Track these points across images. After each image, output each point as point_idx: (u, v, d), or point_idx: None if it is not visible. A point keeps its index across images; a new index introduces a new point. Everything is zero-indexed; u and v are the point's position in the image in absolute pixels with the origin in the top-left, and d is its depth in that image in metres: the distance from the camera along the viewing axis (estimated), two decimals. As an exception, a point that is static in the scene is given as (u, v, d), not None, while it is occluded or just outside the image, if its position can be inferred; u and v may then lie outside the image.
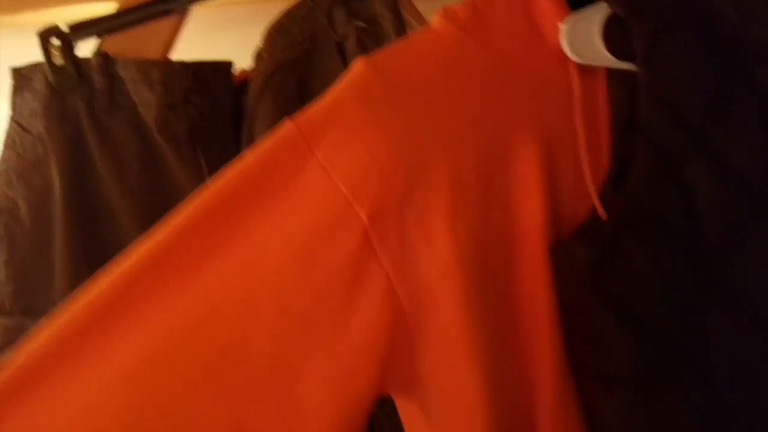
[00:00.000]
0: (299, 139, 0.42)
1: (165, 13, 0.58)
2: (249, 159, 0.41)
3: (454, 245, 0.45)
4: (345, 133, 0.43)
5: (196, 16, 0.64)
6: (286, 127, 0.42)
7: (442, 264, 0.44)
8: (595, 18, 0.51)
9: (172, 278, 0.39)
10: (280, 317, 0.40)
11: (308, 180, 0.41)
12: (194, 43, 0.67)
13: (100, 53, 0.57)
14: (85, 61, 0.57)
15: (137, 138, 0.57)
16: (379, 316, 0.42)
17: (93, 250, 0.57)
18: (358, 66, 0.45)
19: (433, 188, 0.44)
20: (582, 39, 0.50)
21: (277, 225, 0.40)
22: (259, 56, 0.56)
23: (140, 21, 0.58)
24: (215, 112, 0.57)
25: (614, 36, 0.50)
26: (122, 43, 0.58)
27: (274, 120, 0.54)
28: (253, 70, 0.57)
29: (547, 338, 0.49)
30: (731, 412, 0.48)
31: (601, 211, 0.50)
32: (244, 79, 0.59)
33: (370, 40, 0.53)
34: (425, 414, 0.49)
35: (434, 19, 0.50)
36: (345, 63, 0.55)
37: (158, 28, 0.59)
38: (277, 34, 0.55)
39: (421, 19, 0.55)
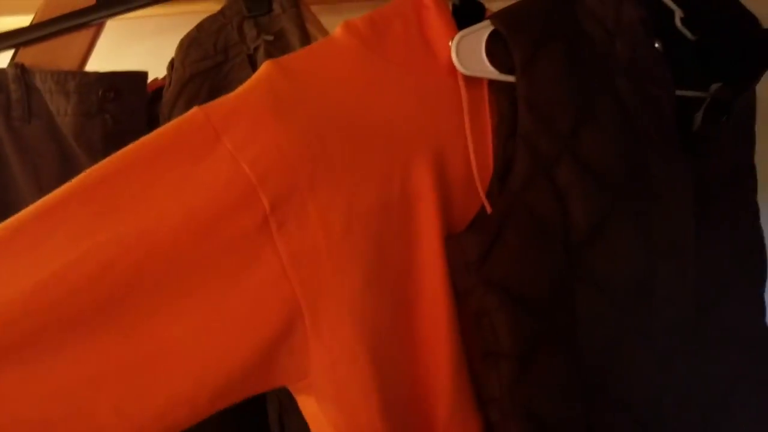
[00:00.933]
0: (207, 126, 0.45)
1: (80, 25, 0.62)
2: (158, 136, 0.44)
3: (352, 241, 0.50)
4: (253, 123, 0.47)
5: (111, 28, 0.68)
6: (195, 113, 0.45)
7: (338, 257, 0.48)
8: (480, 34, 0.57)
9: (74, 227, 0.41)
10: (168, 285, 0.42)
11: (215, 162, 0.44)
12: (110, 54, 0.70)
13: (16, 64, 0.60)
14: (2, 71, 0.59)
15: (54, 146, 0.60)
16: (266, 300, 0.45)
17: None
18: (265, 66, 0.50)
19: (335, 184, 0.49)
20: (469, 53, 0.57)
21: (181, 197, 0.43)
22: (172, 67, 0.60)
23: (56, 33, 0.61)
24: (130, 120, 0.61)
25: (497, 51, 0.57)
26: (39, 55, 0.61)
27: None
28: (167, 80, 0.61)
29: (443, 324, 0.55)
30: (598, 375, 0.55)
31: (487, 207, 0.56)
32: (158, 88, 0.62)
33: (278, 52, 0.58)
34: (322, 409, 0.52)
35: (336, 31, 0.55)
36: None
37: (74, 40, 0.62)
38: (190, 46, 0.60)
39: (325, 34, 0.60)
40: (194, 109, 0.45)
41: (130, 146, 0.44)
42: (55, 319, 0.39)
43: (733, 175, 0.65)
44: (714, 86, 0.65)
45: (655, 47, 0.55)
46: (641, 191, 0.58)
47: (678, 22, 0.66)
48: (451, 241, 0.55)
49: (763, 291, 0.67)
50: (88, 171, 0.42)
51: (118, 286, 0.41)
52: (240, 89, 0.47)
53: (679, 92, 0.62)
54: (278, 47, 0.58)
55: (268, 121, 0.46)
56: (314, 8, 0.66)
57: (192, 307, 0.44)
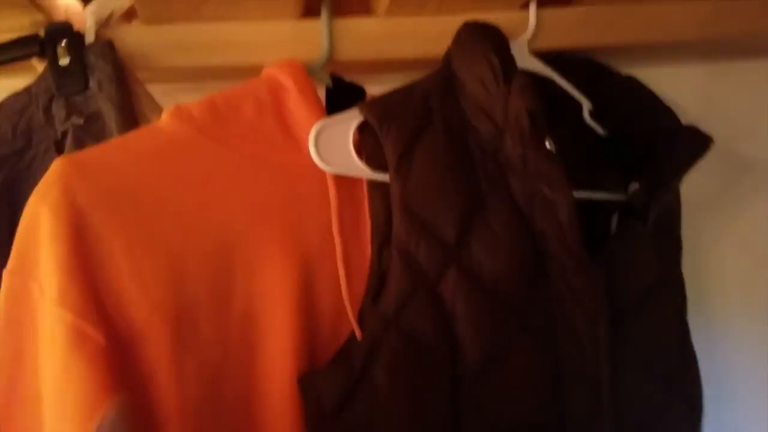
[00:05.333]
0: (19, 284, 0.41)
1: None
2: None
3: (175, 372, 0.42)
4: (43, 254, 0.41)
5: None
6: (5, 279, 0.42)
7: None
8: (347, 125, 0.50)
9: None
10: None
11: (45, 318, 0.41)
12: None
13: None
14: None
15: None
16: None
17: None
18: (55, 166, 0.41)
19: (150, 296, 0.41)
20: (334, 147, 0.49)
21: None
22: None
23: None
24: None
25: (368, 144, 0.50)
26: None
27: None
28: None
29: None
30: None
31: (357, 333, 0.47)
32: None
33: (90, 138, 0.49)
34: None
35: (163, 116, 0.47)
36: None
37: None
38: (-17, 129, 0.50)
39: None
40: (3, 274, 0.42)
41: None
42: None
43: (655, 288, 0.58)
44: (632, 186, 0.60)
45: (544, 145, 0.48)
46: (542, 309, 0.51)
47: (586, 116, 0.61)
48: (305, 381, 0.46)
49: (700, 419, 0.59)
50: None
51: None
52: (28, 213, 0.41)
53: (586, 194, 0.56)
54: (91, 132, 0.48)
55: (66, 245, 0.40)
56: (166, 86, 0.58)
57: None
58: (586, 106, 0.60)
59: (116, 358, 0.40)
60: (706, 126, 0.55)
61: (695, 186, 0.62)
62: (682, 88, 0.66)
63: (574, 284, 0.51)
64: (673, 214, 0.61)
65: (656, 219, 0.57)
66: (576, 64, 0.60)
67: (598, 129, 0.61)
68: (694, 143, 0.54)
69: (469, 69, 0.52)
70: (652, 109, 0.58)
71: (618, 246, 0.55)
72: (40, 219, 0.40)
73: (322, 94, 0.56)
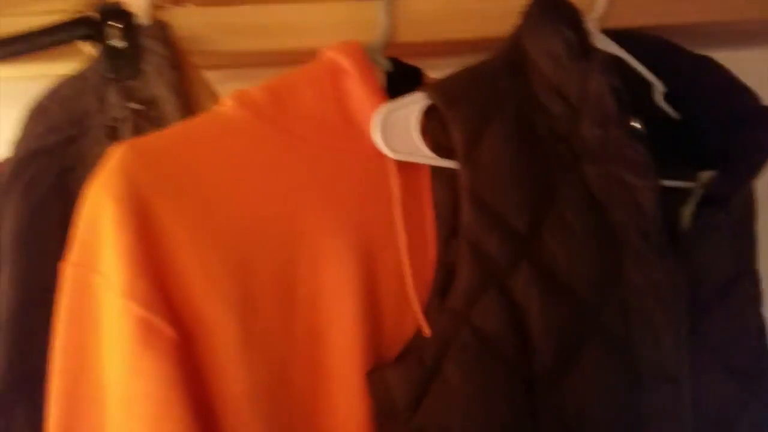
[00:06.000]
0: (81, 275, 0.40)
1: None
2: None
3: (244, 365, 0.41)
4: (107, 245, 0.40)
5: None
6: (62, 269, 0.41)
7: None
8: (412, 109, 0.48)
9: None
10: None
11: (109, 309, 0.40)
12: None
13: None
14: None
15: None
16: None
17: None
18: (116, 153, 0.40)
19: (216, 288, 0.41)
20: (398, 132, 0.48)
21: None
22: (14, 143, 0.49)
23: None
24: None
25: (434, 130, 0.48)
26: None
27: (24, 221, 0.47)
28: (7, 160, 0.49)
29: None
30: None
31: (424, 329, 0.45)
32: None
33: (149, 124, 0.47)
34: None
35: (225, 101, 0.46)
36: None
37: None
38: (35, 116, 0.48)
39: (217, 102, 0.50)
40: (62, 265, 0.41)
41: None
42: None
43: (733, 282, 0.55)
44: (705, 174, 0.57)
45: (631, 125, 0.46)
46: (619, 305, 0.48)
47: (659, 98, 0.58)
48: (374, 376, 0.44)
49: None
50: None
51: None
52: (88, 203, 0.41)
53: (669, 182, 0.53)
54: (149, 119, 0.47)
55: (131, 236, 0.39)
56: (219, 73, 0.57)
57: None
58: (659, 87, 0.57)
59: (186, 352, 0.38)
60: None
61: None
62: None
63: (654, 278, 0.48)
64: (747, 206, 0.58)
65: (736, 208, 0.54)
66: (647, 43, 0.57)
67: (671, 112, 0.58)
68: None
69: (541, 46, 0.50)
70: (730, 90, 0.55)
71: (698, 238, 0.52)
72: (102, 209, 0.39)
73: (381, 79, 0.54)
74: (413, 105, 0.48)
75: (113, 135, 0.48)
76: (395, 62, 0.56)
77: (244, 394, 0.41)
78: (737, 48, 0.66)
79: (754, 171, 0.52)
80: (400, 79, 0.56)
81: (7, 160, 0.49)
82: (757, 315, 0.58)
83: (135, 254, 0.38)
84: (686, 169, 0.58)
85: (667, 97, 0.58)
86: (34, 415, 0.43)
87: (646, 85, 0.58)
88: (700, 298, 0.52)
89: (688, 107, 0.58)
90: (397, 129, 0.48)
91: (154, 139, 0.42)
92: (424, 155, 0.48)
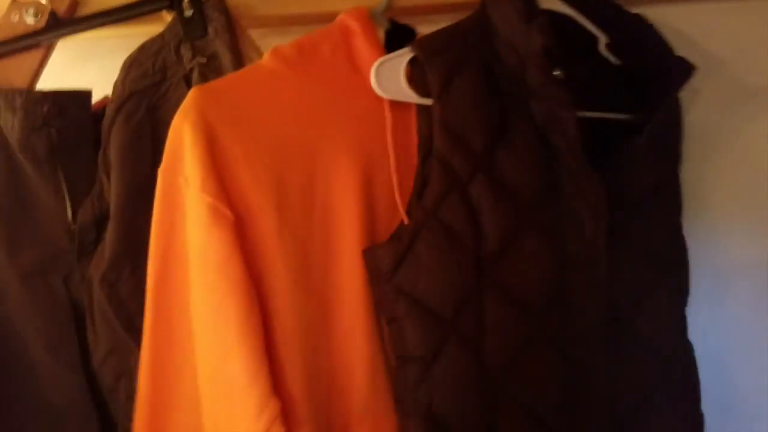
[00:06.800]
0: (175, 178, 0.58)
1: (30, 46, 0.70)
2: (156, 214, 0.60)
3: (279, 242, 0.59)
4: (187, 156, 0.57)
5: (65, 48, 0.76)
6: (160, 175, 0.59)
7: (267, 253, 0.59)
8: (400, 60, 0.65)
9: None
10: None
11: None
12: (65, 72, 0.79)
13: (-31, 84, 0.69)
14: (-44, 90, 0.69)
15: (2, 157, 0.68)
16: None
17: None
18: (192, 93, 0.58)
19: (260, 187, 0.58)
20: (389, 77, 0.64)
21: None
22: (115, 86, 0.69)
23: (8, 54, 0.70)
24: (75, 134, 0.69)
25: (417, 76, 0.65)
26: (-7, 73, 0.70)
27: (126, 143, 0.67)
28: (110, 98, 0.69)
29: (360, 326, 0.63)
30: (503, 381, 0.62)
31: (405, 219, 0.64)
32: (105, 106, 0.71)
33: (211, 73, 0.66)
34: None
35: (264, 56, 0.64)
36: (190, 92, 0.68)
37: (25, 60, 0.71)
38: (131, 66, 0.68)
39: (261, 56, 0.68)
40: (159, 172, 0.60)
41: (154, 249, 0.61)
42: None
43: (653, 192, 0.71)
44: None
45: (554, 75, 0.63)
46: (553, 205, 0.64)
47: (602, 48, 0.74)
48: (368, 252, 0.63)
49: (685, 306, 0.73)
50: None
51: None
52: (174, 128, 0.58)
53: (595, 114, 0.69)
54: (211, 69, 0.66)
55: (203, 149, 0.57)
56: (260, 31, 0.75)
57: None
58: (602, 39, 0.73)
59: (239, 230, 0.57)
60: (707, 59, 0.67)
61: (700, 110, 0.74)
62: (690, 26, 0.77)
63: (581, 185, 0.63)
64: (672, 130, 0.73)
65: (654, 134, 0.69)
66: (593, 2, 0.73)
67: (612, 59, 0.74)
68: (681, 71, 0.67)
69: (499, 11, 0.64)
70: (654, 42, 0.71)
71: (620, 155, 0.69)
72: (183, 132, 0.57)
73: (382, 35, 0.71)
74: (402, 57, 0.63)
75: (187, 81, 0.67)
76: (393, 23, 0.73)
77: (278, 259, 0.59)
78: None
79: (660, 104, 0.68)
80: (397, 36, 0.73)
81: (111, 98, 0.69)
82: (675, 219, 0.74)
83: (206, 162, 0.56)
84: (622, 105, 0.74)
85: (612, 47, 0.75)
86: (137, 271, 0.63)
87: (593, 37, 0.74)
88: (626, 202, 0.68)
89: (627, 56, 0.74)
90: (390, 75, 0.63)
91: (217, 84, 0.60)
92: (408, 95, 0.63)
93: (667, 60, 0.69)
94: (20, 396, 0.69)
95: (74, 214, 0.69)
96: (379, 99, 0.64)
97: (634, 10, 0.72)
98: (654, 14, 0.72)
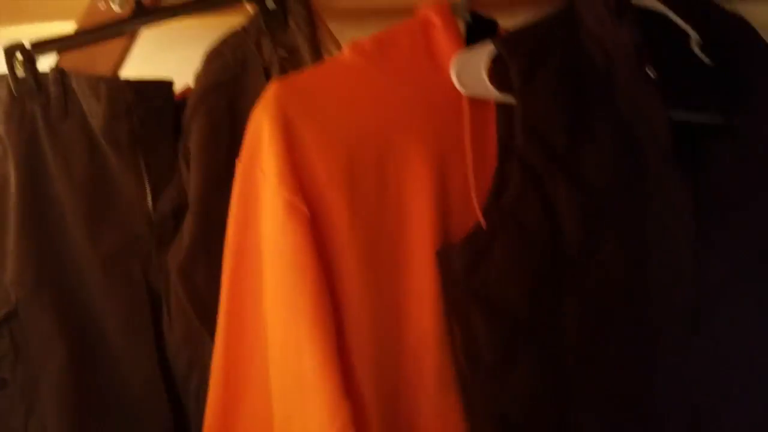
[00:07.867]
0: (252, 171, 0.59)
1: (117, 34, 0.72)
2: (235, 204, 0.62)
3: (352, 239, 0.59)
4: (265, 150, 0.58)
5: (148, 37, 0.78)
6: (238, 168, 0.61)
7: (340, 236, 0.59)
8: (482, 54, 0.64)
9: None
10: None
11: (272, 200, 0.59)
12: (147, 61, 0.81)
13: (56, 68, 0.71)
14: (44, 74, 0.71)
15: (85, 142, 0.70)
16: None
17: (41, 237, 0.70)
18: (271, 87, 0.59)
19: (335, 183, 0.58)
20: (470, 73, 0.63)
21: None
22: (196, 77, 0.70)
23: (95, 41, 0.72)
24: (156, 123, 0.71)
25: (499, 71, 0.64)
26: (78, 60, 0.72)
27: (206, 134, 0.68)
28: (192, 89, 0.70)
29: (432, 328, 0.62)
30: (581, 376, 0.60)
31: (482, 223, 0.63)
32: (187, 96, 0.72)
33: (291, 67, 0.66)
34: None
35: (344, 50, 0.64)
36: (269, 85, 0.68)
37: (110, 47, 0.73)
38: (212, 57, 0.69)
39: (340, 49, 0.68)
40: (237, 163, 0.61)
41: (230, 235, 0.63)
42: None
43: (745, 198, 0.67)
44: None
45: (646, 73, 0.60)
46: (637, 209, 0.62)
47: (695, 47, 0.71)
48: (442, 253, 0.62)
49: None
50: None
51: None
52: (253, 120, 0.59)
53: (685, 116, 0.66)
54: (291, 62, 0.66)
55: (281, 143, 0.57)
56: (338, 24, 0.75)
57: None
58: (694, 37, 0.70)
59: (314, 226, 0.58)
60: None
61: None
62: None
63: (668, 191, 0.61)
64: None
65: (756, 137, 0.66)
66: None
67: (705, 59, 0.71)
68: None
69: (588, 6, 0.63)
70: (754, 43, 0.67)
71: (710, 158, 0.66)
72: (262, 125, 0.58)
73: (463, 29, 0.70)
74: (483, 52, 0.63)
75: (267, 74, 0.67)
76: (475, 16, 0.72)
77: (350, 257, 0.59)
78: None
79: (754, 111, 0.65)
80: (478, 29, 0.72)
81: (192, 89, 0.70)
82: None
83: (283, 156, 0.56)
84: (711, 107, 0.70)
85: (704, 47, 0.71)
86: (213, 262, 0.64)
87: (683, 35, 0.71)
88: (716, 208, 0.64)
89: (722, 57, 0.70)
90: (470, 70, 0.62)
91: (296, 77, 0.61)
92: (489, 91, 0.62)
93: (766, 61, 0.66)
94: (98, 378, 0.71)
95: (154, 202, 0.71)
96: (458, 95, 0.63)
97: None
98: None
